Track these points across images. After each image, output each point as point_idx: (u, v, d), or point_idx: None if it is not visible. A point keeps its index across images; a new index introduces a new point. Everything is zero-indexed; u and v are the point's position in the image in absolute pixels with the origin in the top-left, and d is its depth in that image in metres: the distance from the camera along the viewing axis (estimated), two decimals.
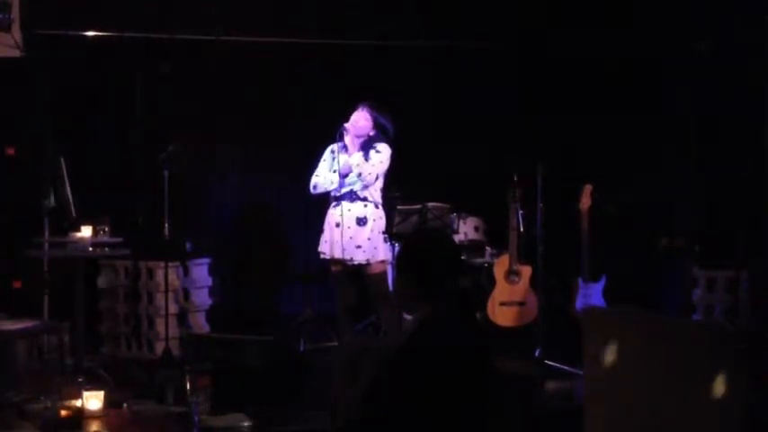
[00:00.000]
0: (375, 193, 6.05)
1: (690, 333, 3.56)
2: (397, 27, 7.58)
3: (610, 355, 3.58)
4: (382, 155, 5.99)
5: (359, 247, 5.94)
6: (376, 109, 6.05)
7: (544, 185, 6.51)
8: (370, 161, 5.94)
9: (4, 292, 6.50)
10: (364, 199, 6.00)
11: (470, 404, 2.97)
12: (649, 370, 3.56)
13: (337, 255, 5.94)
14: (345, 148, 5.99)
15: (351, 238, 5.93)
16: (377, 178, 5.98)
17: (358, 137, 6.00)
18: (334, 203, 6.02)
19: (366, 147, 5.99)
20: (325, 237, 6.04)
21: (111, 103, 6.98)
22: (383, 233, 6.05)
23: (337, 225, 5.94)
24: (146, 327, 6.82)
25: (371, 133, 6.02)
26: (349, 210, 5.94)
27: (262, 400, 5.25)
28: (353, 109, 6.04)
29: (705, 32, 6.81)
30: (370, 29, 7.49)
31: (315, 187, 6.07)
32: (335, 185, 5.99)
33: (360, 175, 5.92)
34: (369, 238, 5.96)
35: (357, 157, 5.94)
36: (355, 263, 5.97)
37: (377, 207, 6.04)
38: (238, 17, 7.25)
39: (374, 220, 6.01)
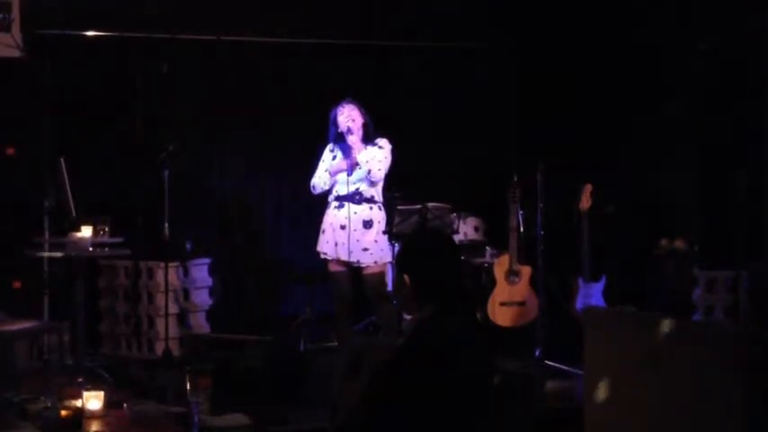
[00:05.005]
0: (379, 193, 6.06)
1: (690, 333, 3.56)
2: (397, 27, 7.58)
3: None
4: (386, 150, 6.00)
5: (366, 249, 5.95)
6: (356, 100, 6.06)
7: (544, 185, 6.51)
8: (376, 158, 5.95)
9: (4, 292, 6.50)
10: (370, 200, 6.00)
11: (470, 404, 2.97)
12: (649, 370, 3.56)
13: (344, 257, 5.95)
14: (345, 150, 5.99)
15: (357, 240, 5.93)
16: (384, 175, 6.01)
17: (356, 134, 6.01)
18: (337, 204, 6.01)
19: (366, 143, 6.00)
20: (326, 237, 6.03)
21: (111, 103, 6.98)
22: (383, 233, 6.05)
23: (343, 227, 5.94)
24: (146, 327, 6.83)
25: (363, 122, 6.03)
26: (355, 212, 5.94)
27: (262, 400, 5.26)
28: (331, 111, 6.04)
29: (705, 32, 6.81)
30: (370, 29, 7.50)
31: (314, 188, 6.09)
32: (328, 185, 6.01)
33: (369, 172, 5.93)
34: (375, 240, 5.98)
35: (365, 154, 5.95)
36: (362, 265, 5.98)
37: (380, 209, 6.05)
38: (238, 17, 7.25)
39: (379, 222, 6.02)
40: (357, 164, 5.95)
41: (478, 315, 6.47)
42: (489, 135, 7.60)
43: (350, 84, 6.64)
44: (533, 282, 6.65)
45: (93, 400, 4.52)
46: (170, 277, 6.69)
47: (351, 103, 6.03)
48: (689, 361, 3.37)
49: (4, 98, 6.59)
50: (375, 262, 5.99)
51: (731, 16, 6.74)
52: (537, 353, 6.42)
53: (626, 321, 3.85)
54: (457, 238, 6.67)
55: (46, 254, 6.29)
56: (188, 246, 7.00)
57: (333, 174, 6.01)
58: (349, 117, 5.99)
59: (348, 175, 5.95)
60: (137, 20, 7.00)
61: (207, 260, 7.15)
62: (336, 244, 5.96)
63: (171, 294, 6.73)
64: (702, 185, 7.06)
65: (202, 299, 7.11)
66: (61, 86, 6.81)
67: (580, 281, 6.73)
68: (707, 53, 6.78)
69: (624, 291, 6.70)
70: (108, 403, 4.62)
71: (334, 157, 6.05)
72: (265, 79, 7.39)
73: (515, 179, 6.62)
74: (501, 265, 6.68)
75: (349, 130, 5.96)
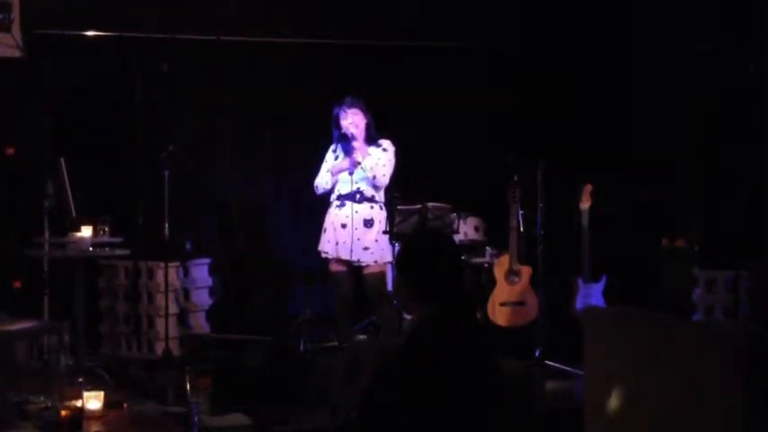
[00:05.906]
0: (382, 192, 6.06)
1: (690, 333, 3.56)
2: (397, 27, 7.59)
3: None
4: (389, 153, 6.00)
5: (366, 248, 5.95)
6: (358, 100, 6.06)
7: (544, 185, 6.51)
8: (380, 162, 5.95)
9: (4, 292, 6.50)
10: (371, 199, 6.01)
11: (471, 404, 2.97)
12: (649, 370, 3.56)
13: (344, 256, 5.95)
14: (348, 149, 5.99)
15: (358, 239, 5.94)
16: (389, 179, 6.01)
17: (360, 138, 6.01)
18: (338, 204, 6.02)
19: (369, 143, 5.99)
20: (328, 237, 6.04)
21: (111, 103, 6.98)
22: (383, 232, 6.05)
23: (343, 226, 5.94)
24: (146, 327, 6.82)
25: (366, 123, 6.02)
26: (356, 211, 5.95)
27: (262, 400, 5.25)
28: (333, 110, 6.04)
29: (705, 32, 6.81)
30: (370, 29, 7.50)
31: (317, 188, 6.12)
32: (330, 185, 6.02)
33: (374, 177, 5.93)
34: (376, 240, 5.98)
35: (370, 160, 5.95)
36: (363, 264, 5.98)
37: (381, 208, 6.05)
38: (238, 17, 7.25)
39: (380, 221, 6.02)
40: (359, 162, 5.95)
41: (478, 315, 6.47)
42: (489, 135, 7.60)
43: (350, 84, 6.63)
44: (533, 282, 6.65)
45: (93, 400, 4.53)
46: (170, 277, 6.68)
47: (353, 106, 6.01)
48: (689, 361, 3.37)
49: (4, 98, 6.59)
50: (375, 261, 6.00)
51: (731, 16, 6.74)
52: (537, 353, 6.42)
53: (626, 321, 3.84)
54: (457, 238, 6.66)
55: (46, 254, 6.31)
56: (188, 246, 7.00)
57: (335, 173, 6.01)
58: (352, 123, 5.99)
59: (350, 173, 5.96)
60: (137, 20, 6.99)
61: (207, 260, 7.14)
62: (337, 243, 5.97)
63: (171, 294, 6.72)
64: (702, 185, 7.06)
65: (202, 299, 7.11)
66: (61, 86, 6.81)
67: (580, 281, 6.73)
68: (707, 53, 6.77)
69: (624, 291, 6.71)
70: (108, 403, 4.62)
71: (337, 158, 6.06)
72: (265, 79, 7.39)
73: (515, 179, 6.62)
74: (501, 265, 6.68)
75: (353, 137, 5.96)
